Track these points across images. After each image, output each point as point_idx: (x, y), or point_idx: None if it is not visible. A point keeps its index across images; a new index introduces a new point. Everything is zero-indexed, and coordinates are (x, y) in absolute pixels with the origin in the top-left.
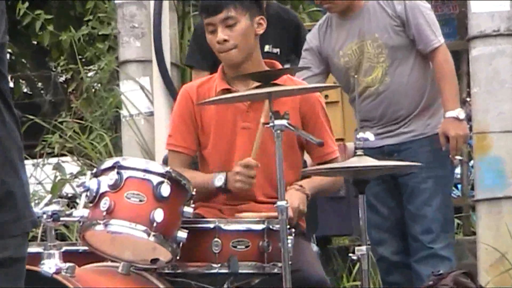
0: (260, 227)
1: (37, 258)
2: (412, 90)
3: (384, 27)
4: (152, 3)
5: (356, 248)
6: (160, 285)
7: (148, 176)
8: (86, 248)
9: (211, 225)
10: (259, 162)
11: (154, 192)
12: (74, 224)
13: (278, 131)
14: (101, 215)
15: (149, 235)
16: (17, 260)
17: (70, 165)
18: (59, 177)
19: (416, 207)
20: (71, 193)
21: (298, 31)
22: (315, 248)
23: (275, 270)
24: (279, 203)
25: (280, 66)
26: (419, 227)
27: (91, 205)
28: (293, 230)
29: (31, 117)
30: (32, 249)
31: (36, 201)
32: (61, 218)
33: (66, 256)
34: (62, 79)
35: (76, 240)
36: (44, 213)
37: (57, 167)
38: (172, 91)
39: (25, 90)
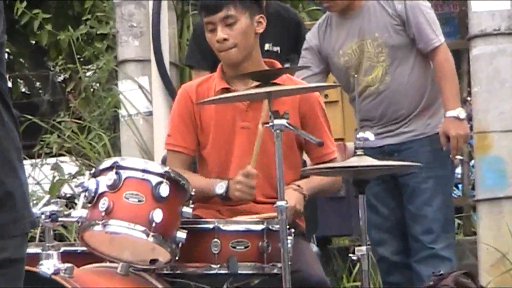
0: (259, 227)
1: (35, 258)
2: (413, 90)
3: (384, 26)
4: (151, 2)
5: (356, 248)
6: (159, 285)
7: (147, 176)
8: (84, 248)
9: (211, 226)
10: (259, 162)
11: (153, 192)
12: (72, 224)
13: (278, 131)
14: (100, 216)
15: (148, 235)
16: (16, 261)
17: (69, 165)
18: (57, 177)
19: (416, 207)
20: (70, 194)
21: (299, 29)
22: (315, 248)
23: (275, 271)
24: (279, 203)
25: (279, 66)
26: (419, 227)
27: (89, 205)
28: (293, 230)
29: (29, 117)
30: (31, 249)
31: (35, 202)
32: (60, 219)
33: (65, 257)
34: (60, 78)
35: (75, 240)
36: (42, 213)
37: (56, 167)
38: (171, 91)
39: (23, 90)
